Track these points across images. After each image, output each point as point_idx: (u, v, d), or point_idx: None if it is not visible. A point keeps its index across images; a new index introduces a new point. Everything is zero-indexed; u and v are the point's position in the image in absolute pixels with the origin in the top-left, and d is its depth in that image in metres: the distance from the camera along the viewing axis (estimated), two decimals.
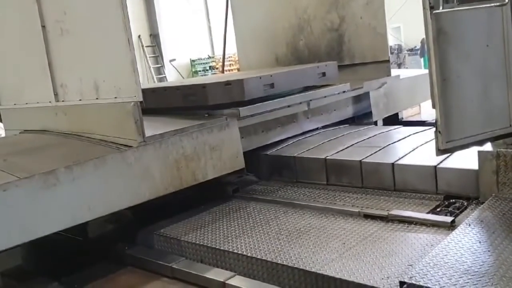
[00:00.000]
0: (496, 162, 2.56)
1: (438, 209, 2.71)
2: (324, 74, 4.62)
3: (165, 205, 3.22)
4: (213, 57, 19.85)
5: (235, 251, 2.51)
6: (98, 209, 2.65)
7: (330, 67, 4.62)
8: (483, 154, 2.60)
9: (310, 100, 4.26)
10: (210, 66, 19.23)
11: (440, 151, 2.49)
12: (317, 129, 4.52)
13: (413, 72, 6.44)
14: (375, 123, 4.92)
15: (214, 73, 18.40)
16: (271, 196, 3.37)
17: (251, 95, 3.77)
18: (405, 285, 1.85)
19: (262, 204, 3.21)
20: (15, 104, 4.36)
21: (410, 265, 2.08)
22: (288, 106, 4.04)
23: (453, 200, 2.79)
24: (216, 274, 2.41)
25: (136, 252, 2.86)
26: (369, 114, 5.03)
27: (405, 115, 6.51)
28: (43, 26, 3.61)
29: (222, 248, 2.57)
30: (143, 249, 2.90)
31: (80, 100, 3.44)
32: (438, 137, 2.47)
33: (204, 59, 19.57)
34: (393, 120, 5.44)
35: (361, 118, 5.07)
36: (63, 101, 3.66)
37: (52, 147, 3.31)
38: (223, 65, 7.17)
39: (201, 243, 2.69)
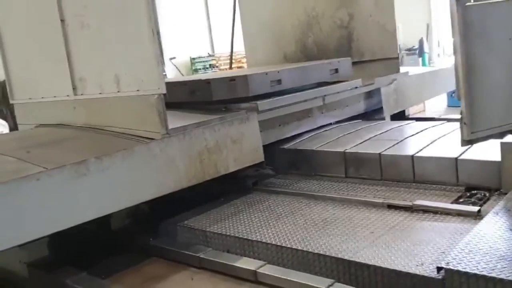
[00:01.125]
0: None
1: (461, 200, 2.75)
2: (336, 70, 4.66)
3: (183, 198, 3.24)
4: (213, 55, 19.85)
5: (264, 240, 2.54)
6: (126, 199, 2.68)
7: (343, 63, 4.66)
8: (506, 146, 2.64)
9: (325, 96, 4.31)
10: (210, 64, 19.21)
11: (465, 142, 2.53)
12: (330, 124, 4.56)
13: (420, 70, 6.49)
14: (400, 118, 4.97)
15: (214, 71, 18.40)
16: (291, 188, 3.40)
17: (256, 91, 3.81)
18: (441, 271, 1.89)
19: (284, 197, 3.24)
20: (30, 98, 4.37)
21: (442, 252, 2.12)
22: (305, 101, 4.09)
23: (475, 191, 2.83)
24: (246, 263, 2.44)
25: (162, 243, 2.88)
26: (379, 110, 5.08)
27: (411, 112, 6.57)
28: (62, 20, 3.63)
29: (250, 238, 2.60)
30: (168, 240, 2.92)
31: (100, 93, 3.45)
32: (463, 128, 2.51)
33: (204, 57, 19.57)
34: (400, 116, 5.48)
35: (372, 114, 5.12)
36: (82, 94, 3.67)
37: (74, 140, 3.33)
38: (230, 62, 7.19)
39: (228, 234, 2.71)
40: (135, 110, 3.18)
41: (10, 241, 2.24)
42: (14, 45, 4.34)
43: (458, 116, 4.67)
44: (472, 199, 2.73)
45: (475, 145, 2.93)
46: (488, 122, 2.54)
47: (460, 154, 2.97)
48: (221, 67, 19.02)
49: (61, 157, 2.88)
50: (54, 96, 4.00)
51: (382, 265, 2.08)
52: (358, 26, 5.54)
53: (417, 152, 3.15)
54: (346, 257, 2.20)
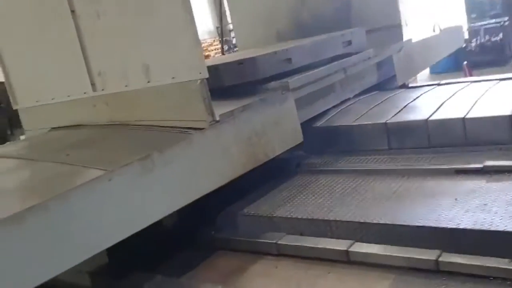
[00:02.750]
0: None
1: None
2: (350, 42, 4.58)
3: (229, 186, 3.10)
4: None
5: (344, 219, 2.45)
6: (191, 193, 2.52)
7: (357, 34, 4.58)
8: None
9: (345, 68, 4.22)
10: None
11: None
12: (349, 99, 4.46)
13: (422, 36, 6.46)
14: (401, 87, 4.92)
15: None
16: (337, 166, 3.31)
17: (266, 73, 3.66)
18: None
19: (334, 175, 3.14)
20: (37, 101, 4.07)
21: None
22: (329, 75, 3.99)
23: None
24: (333, 243, 2.33)
25: (228, 235, 2.74)
26: (390, 79, 5.04)
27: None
28: (73, 11, 3.37)
29: (327, 218, 2.50)
30: (234, 231, 2.78)
31: (126, 86, 3.23)
32: None
33: None
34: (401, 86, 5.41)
35: (383, 84, 5.06)
36: (102, 90, 3.44)
37: (108, 138, 3.12)
38: (222, 46, 6.98)
39: (300, 217, 2.60)
40: (172, 99, 2.99)
41: (96, 246, 2.07)
42: (15, 45, 4.02)
43: (475, 78, 4.66)
44: None
45: None
46: None
47: None
48: None
49: (108, 156, 2.69)
50: (68, 96, 3.75)
51: (491, 228, 2.02)
52: None
53: (467, 114, 3.11)
54: (447, 226, 2.13)
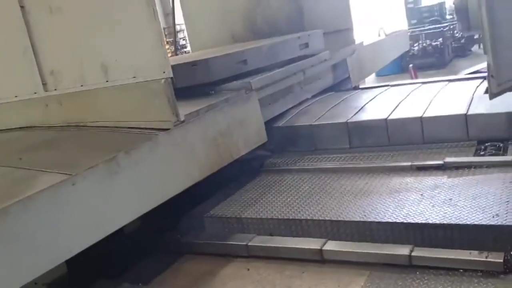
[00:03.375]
0: None
1: (481, 153, 2.86)
2: (307, 44, 4.62)
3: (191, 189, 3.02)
4: None
5: (315, 218, 2.44)
6: (159, 195, 2.41)
7: (314, 36, 4.62)
8: None
9: (304, 70, 4.25)
10: None
11: (493, 94, 2.62)
12: (306, 99, 4.50)
13: (372, 39, 6.66)
14: (354, 89, 5.03)
15: None
16: (301, 165, 3.31)
17: (219, 75, 3.60)
18: None
19: (299, 174, 3.14)
20: None
21: (507, 201, 2.17)
22: (291, 76, 4.01)
23: (488, 144, 2.96)
24: (306, 243, 2.32)
25: (195, 238, 2.66)
26: (344, 81, 5.15)
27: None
28: (22, 7, 3.17)
29: (298, 218, 2.49)
30: (200, 234, 2.71)
31: (82, 86, 3.08)
32: (491, 81, 2.59)
33: None
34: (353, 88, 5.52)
35: (337, 85, 5.16)
36: (55, 90, 3.25)
37: (66, 140, 2.95)
38: (175, 47, 6.83)
39: (270, 217, 2.57)
40: (133, 99, 2.87)
41: (57, 258, 1.93)
42: None
43: (425, 80, 4.83)
44: (492, 151, 2.85)
45: (476, 99, 3.09)
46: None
47: (467, 110, 3.08)
48: None
49: (67, 159, 2.54)
50: (16, 96, 3.52)
51: (460, 222, 2.08)
52: None
53: (424, 113, 3.21)
54: (416, 221, 2.17)
